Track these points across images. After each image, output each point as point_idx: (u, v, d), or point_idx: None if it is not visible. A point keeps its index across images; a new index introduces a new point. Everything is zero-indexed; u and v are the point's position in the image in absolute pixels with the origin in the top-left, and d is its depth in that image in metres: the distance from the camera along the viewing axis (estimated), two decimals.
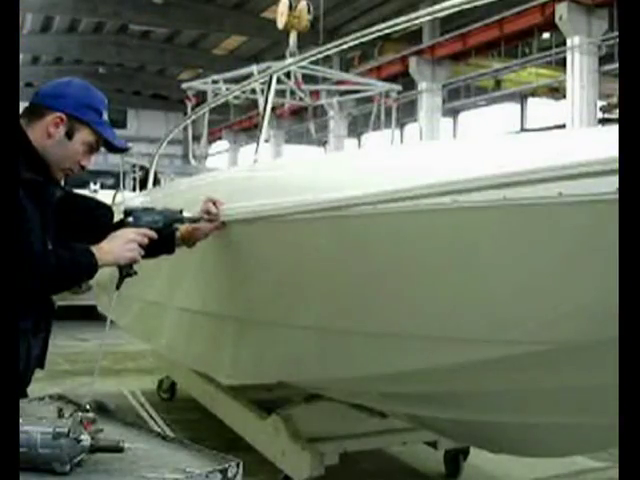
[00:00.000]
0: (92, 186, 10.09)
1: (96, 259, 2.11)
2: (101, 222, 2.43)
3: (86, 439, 1.51)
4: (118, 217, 2.45)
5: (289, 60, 4.48)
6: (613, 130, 1.53)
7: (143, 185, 5.86)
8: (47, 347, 2.25)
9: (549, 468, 3.89)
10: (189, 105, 5.61)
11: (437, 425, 2.84)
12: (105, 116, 2.25)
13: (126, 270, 2.26)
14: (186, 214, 2.47)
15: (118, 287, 2.29)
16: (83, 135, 2.18)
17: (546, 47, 14.92)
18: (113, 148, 2.29)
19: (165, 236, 2.41)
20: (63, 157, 2.17)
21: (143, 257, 2.26)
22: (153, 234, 2.30)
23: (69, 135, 2.15)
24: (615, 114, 14.96)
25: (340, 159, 2.82)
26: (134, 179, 8.34)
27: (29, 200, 2.02)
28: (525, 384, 2.10)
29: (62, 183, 2.34)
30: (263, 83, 3.54)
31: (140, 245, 2.23)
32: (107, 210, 2.53)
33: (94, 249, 2.12)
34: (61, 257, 2.05)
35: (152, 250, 2.34)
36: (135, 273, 2.27)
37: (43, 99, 2.18)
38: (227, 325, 3.05)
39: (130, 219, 2.34)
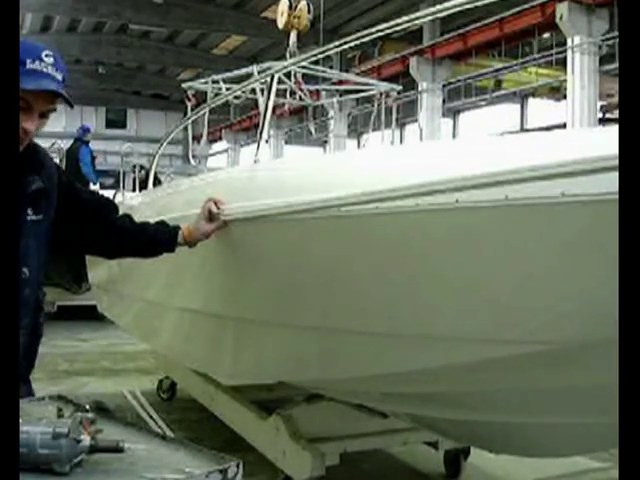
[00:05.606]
0: (91, 185, 10.09)
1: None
2: (106, 217, 2.40)
3: (86, 439, 1.51)
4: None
5: (289, 60, 4.47)
6: (613, 130, 1.52)
7: (143, 185, 5.86)
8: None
9: (549, 468, 3.88)
10: (189, 105, 5.60)
11: (437, 425, 2.84)
12: (36, 64, 1.90)
13: None
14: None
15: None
16: None
17: (546, 47, 14.92)
18: (58, 95, 1.94)
19: (167, 233, 2.40)
20: None
21: (144, 256, 2.22)
22: None
23: None
24: (615, 114, 14.95)
25: (340, 159, 2.82)
26: (134, 179, 8.34)
27: None
28: (525, 384, 2.10)
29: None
30: (263, 83, 3.54)
31: None
32: (112, 206, 2.51)
33: None
34: None
35: (153, 248, 2.33)
36: None
37: None
38: (227, 325, 3.04)
39: None
